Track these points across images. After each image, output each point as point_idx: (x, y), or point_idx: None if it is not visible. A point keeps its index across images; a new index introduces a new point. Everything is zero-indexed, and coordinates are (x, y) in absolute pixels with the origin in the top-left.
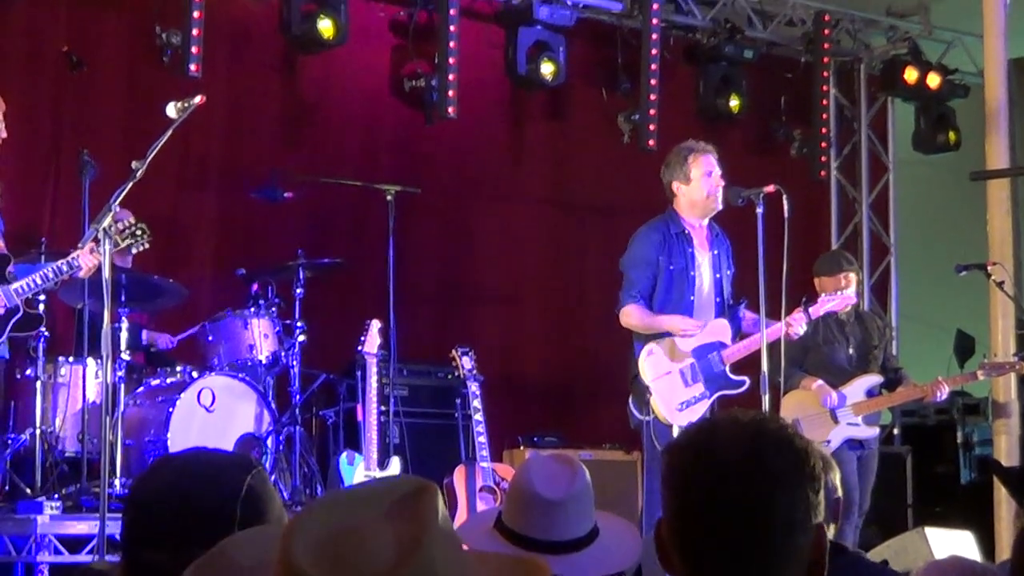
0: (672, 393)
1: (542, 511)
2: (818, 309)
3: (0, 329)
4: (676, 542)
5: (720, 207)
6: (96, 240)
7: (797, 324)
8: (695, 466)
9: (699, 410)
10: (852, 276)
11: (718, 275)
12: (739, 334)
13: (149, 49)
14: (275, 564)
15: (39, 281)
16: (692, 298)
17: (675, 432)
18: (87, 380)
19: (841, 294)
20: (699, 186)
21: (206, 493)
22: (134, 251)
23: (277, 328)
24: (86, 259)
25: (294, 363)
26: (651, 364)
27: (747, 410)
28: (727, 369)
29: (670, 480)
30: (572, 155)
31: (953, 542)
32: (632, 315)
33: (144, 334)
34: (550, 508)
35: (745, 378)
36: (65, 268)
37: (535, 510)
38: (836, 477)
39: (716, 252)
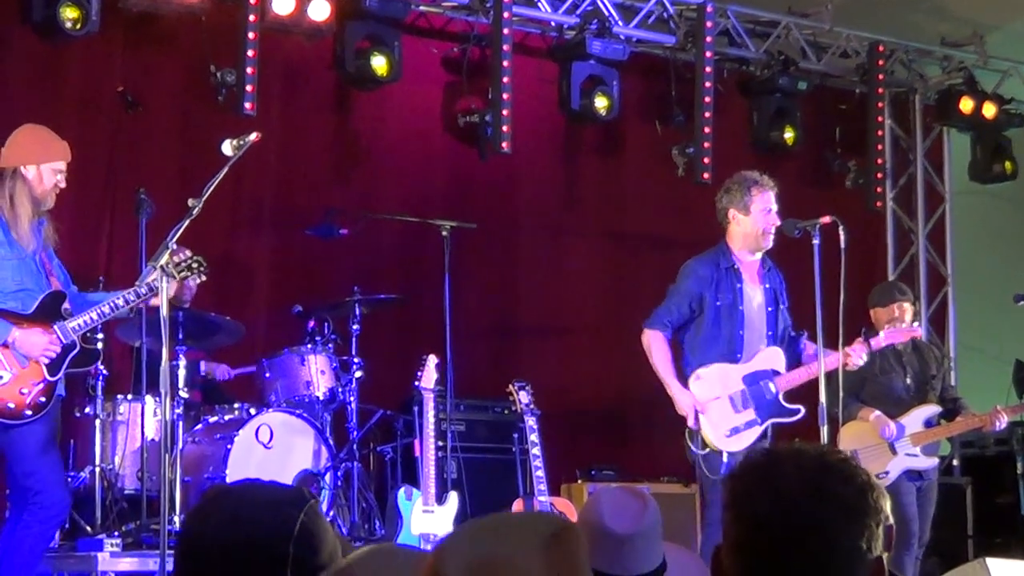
0: (721, 419)
1: (611, 545)
2: (880, 341)
3: (57, 366)
4: (736, 570)
5: (770, 246)
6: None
7: (856, 355)
8: (759, 495)
9: (749, 436)
10: (907, 306)
11: (771, 309)
12: (799, 365)
13: (204, 88)
14: None
15: (95, 317)
16: (741, 332)
17: (725, 458)
18: (146, 418)
19: (903, 326)
20: (757, 219)
21: (258, 533)
22: (192, 283)
23: (334, 364)
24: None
25: (351, 399)
26: (699, 389)
27: (809, 442)
28: (780, 397)
29: (732, 507)
30: (626, 189)
31: (1016, 573)
32: (652, 344)
33: (202, 365)
34: (619, 543)
35: (800, 406)
36: (132, 298)
37: (604, 544)
38: (887, 504)
39: (768, 286)
